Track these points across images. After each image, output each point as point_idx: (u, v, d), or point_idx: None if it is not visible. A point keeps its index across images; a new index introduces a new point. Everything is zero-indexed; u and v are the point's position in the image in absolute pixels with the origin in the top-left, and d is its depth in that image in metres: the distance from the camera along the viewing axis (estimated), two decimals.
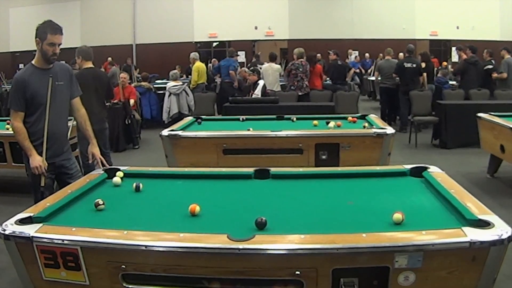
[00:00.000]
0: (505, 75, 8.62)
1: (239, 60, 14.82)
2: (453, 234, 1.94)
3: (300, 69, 8.57)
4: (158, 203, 2.63)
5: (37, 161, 3.22)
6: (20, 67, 14.78)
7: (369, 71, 15.33)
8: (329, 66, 10.51)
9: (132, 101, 8.53)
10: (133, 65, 14.45)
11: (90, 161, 3.54)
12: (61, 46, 3.30)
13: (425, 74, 9.02)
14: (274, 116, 5.60)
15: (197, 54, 10.81)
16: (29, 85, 3.21)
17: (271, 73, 9.34)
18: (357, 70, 15.29)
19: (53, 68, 3.31)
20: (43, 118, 3.23)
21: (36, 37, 3.23)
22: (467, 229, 1.96)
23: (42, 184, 3.26)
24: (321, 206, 2.48)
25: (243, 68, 11.25)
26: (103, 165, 3.39)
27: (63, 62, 3.69)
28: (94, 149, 3.52)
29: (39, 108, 3.25)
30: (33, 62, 3.32)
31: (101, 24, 17.99)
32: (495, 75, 8.73)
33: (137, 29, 18.20)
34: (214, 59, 13.65)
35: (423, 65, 9.09)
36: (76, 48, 5.43)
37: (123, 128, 8.13)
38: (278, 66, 9.56)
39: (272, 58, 9.69)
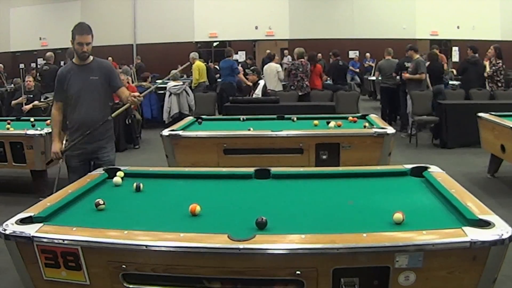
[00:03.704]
0: (423, 75, 8.36)
1: (239, 60, 14.81)
2: (454, 234, 1.94)
3: (300, 69, 8.56)
4: (158, 203, 2.63)
5: (55, 148, 3.68)
6: (20, 66, 14.76)
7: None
8: (329, 66, 10.51)
9: None
10: (134, 65, 14.43)
11: None
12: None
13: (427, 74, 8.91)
14: (274, 116, 5.59)
15: (196, 53, 10.83)
16: (66, 79, 3.65)
17: (270, 73, 9.34)
18: (357, 70, 15.31)
19: (91, 64, 3.68)
20: (77, 108, 3.65)
21: (71, 38, 3.63)
22: (467, 229, 1.95)
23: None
24: (321, 206, 2.48)
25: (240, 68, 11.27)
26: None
27: (104, 59, 3.99)
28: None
29: (73, 99, 3.65)
30: (73, 59, 3.74)
31: (102, 24, 17.89)
32: (406, 75, 8.47)
33: (137, 29, 18.18)
34: (210, 63, 13.60)
35: (427, 64, 9.00)
36: None
37: (124, 128, 8.12)
38: (277, 65, 9.52)
39: (271, 58, 9.68)
